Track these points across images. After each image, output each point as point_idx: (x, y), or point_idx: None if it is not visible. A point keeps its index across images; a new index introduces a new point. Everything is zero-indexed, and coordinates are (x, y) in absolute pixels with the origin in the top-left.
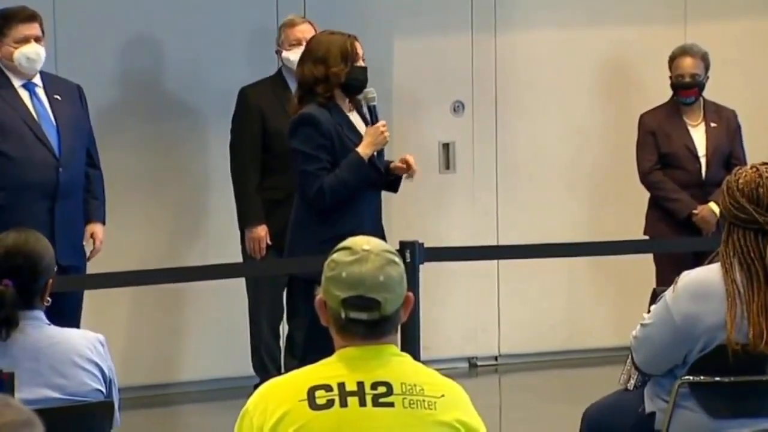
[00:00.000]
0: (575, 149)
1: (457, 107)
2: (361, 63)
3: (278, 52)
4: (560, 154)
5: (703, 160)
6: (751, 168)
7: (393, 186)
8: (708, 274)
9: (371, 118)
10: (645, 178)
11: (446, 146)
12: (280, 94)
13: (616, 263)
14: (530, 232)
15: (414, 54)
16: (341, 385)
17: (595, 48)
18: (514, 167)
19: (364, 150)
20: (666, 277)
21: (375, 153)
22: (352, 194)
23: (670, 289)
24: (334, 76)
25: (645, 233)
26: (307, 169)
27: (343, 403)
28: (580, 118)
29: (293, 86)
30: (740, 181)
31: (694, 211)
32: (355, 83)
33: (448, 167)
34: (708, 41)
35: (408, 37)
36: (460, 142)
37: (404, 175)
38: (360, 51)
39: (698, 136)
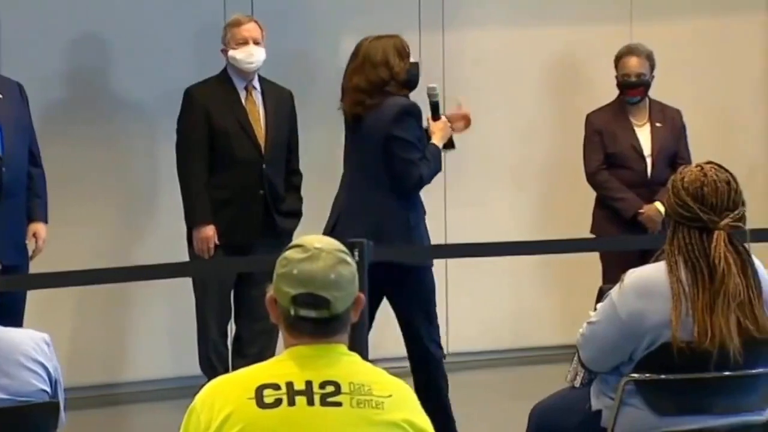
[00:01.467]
0: (523, 148)
1: None
2: (413, 59)
3: (224, 51)
4: (508, 153)
5: (648, 160)
6: (696, 167)
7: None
8: (653, 272)
9: (435, 113)
10: (591, 178)
11: None
12: (226, 94)
13: (564, 261)
14: (478, 231)
15: None
16: (289, 384)
17: (542, 47)
18: (463, 166)
19: (438, 143)
20: (612, 275)
21: None
22: None
23: (617, 286)
24: (397, 74)
25: (591, 232)
26: (410, 157)
27: (291, 402)
28: (528, 116)
29: (240, 85)
30: (685, 179)
31: (640, 211)
32: (413, 78)
33: None
34: (653, 41)
35: (356, 36)
36: None
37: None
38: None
39: (644, 135)
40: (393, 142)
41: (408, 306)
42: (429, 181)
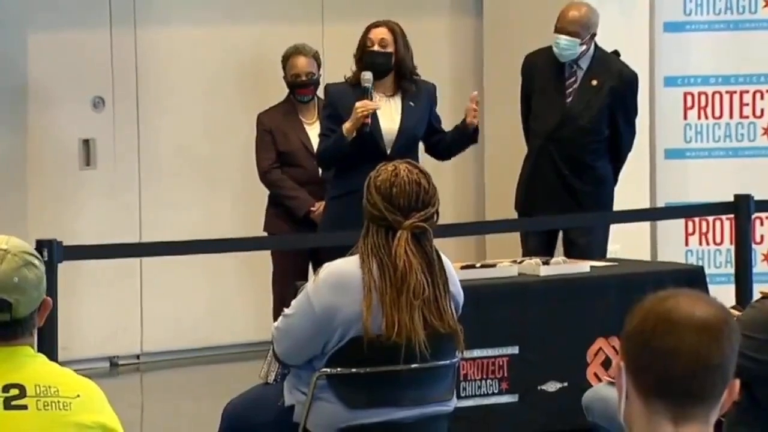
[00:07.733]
0: (217, 146)
1: (97, 103)
2: (376, 48)
3: None
4: (202, 151)
5: None
6: (391, 166)
7: (474, 137)
8: (348, 266)
9: (368, 98)
10: (264, 177)
11: (86, 142)
12: None
13: (259, 259)
14: (173, 228)
15: (51, 48)
16: None
17: (235, 45)
18: (157, 164)
19: (345, 125)
20: (282, 273)
21: (367, 128)
22: (349, 162)
23: (312, 279)
24: (357, 61)
25: (265, 230)
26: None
27: None
28: (222, 114)
29: None
30: (379, 178)
31: (312, 208)
32: (370, 67)
33: (88, 164)
34: (345, 41)
35: (43, 31)
36: (101, 139)
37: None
38: (376, 36)
39: (313, 133)
40: None
41: None
42: (323, 156)
